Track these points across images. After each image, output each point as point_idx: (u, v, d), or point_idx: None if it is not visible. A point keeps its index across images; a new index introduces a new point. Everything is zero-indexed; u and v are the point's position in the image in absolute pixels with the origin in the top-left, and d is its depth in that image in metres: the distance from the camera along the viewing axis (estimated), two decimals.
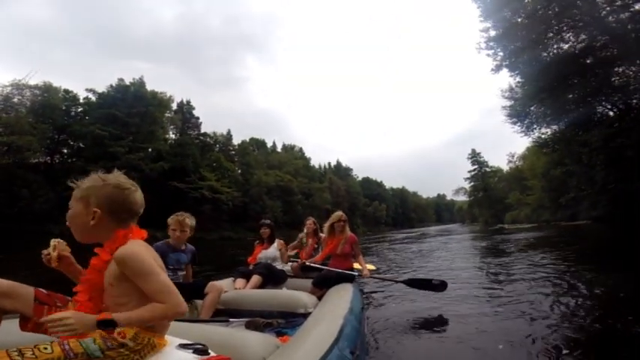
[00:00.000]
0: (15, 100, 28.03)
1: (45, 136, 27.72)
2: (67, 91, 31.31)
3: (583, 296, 3.66)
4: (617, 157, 15.04)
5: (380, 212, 74.41)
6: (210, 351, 1.12)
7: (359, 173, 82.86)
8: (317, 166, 66.60)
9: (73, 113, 31.71)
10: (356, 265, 3.61)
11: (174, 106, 39.21)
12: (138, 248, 1.08)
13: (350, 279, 3.20)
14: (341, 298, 2.34)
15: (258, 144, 56.06)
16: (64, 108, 30.66)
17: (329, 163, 72.93)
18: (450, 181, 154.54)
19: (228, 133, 48.38)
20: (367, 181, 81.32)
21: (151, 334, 1.07)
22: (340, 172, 71.70)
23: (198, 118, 41.66)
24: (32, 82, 28.43)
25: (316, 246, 4.29)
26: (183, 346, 1.13)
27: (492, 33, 16.81)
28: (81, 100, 32.01)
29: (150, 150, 31.75)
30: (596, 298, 3.61)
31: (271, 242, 3.72)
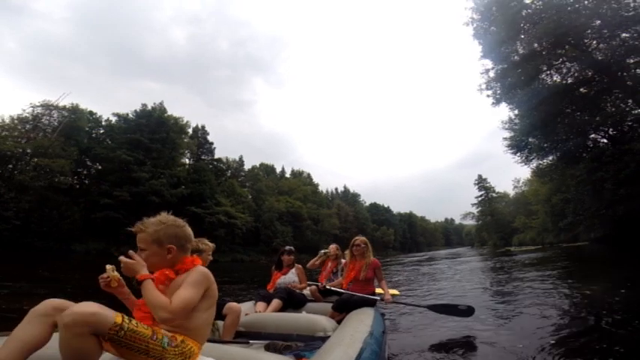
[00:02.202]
0: (44, 120, 29.42)
1: (72, 158, 28.49)
2: (91, 113, 32.75)
3: (597, 312, 3.88)
4: (601, 188, 16.70)
5: (388, 237, 75.00)
6: None
7: (366, 198, 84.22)
8: (325, 192, 68.66)
9: (94, 135, 32.98)
10: (378, 290, 3.61)
11: (189, 130, 40.74)
12: (208, 272, 1.41)
13: (371, 303, 3.22)
14: (361, 322, 2.32)
15: (267, 170, 58.02)
16: (86, 129, 31.87)
17: (336, 189, 74.82)
18: (458, 204, 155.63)
19: (240, 159, 50.86)
20: (375, 207, 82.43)
21: (195, 343, 1.33)
22: (348, 197, 73.23)
23: (212, 143, 43.63)
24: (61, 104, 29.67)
25: (335, 270, 4.36)
26: None
27: (492, 74, 18.80)
28: (103, 123, 33.57)
29: (168, 175, 33.56)
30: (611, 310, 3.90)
31: (290, 267, 3.89)
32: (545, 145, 19.27)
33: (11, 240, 22.08)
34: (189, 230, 1.50)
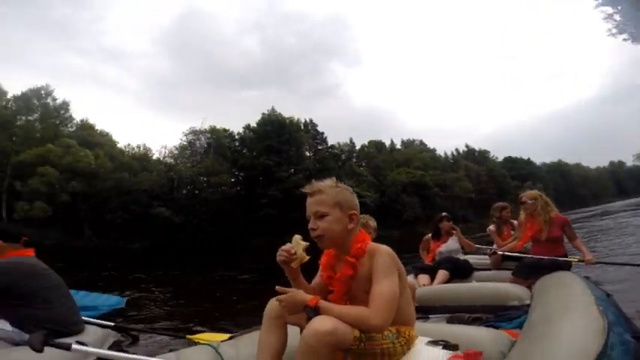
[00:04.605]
0: (196, 144, 40.06)
1: (228, 172, 37.80)
2: (225, 130, 42.25)
3: None
4: None
5: None
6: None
7: (497, 153, 77.46)
8: (444, 155, 66.65)
9: (232, 148, 41.84)
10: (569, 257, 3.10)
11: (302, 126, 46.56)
12: (391, 250, 1.27)
13: (566, 267, 2.89)
14: (570, 287, 1.99)
15: (377, 146, 59.82)
16: (226, 145, 40.96)
17: (457, 150, 71.41)
18: (622, 142, 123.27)
19: (351, 141, 54.79)
20: (510, 161, 74.71)
21: (409, 328, 1.29)
22: (474, 156, 69.20)
23: (323, 133, 49.07)
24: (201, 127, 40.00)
25: (512, 233, 3.99)
26: (432, 343, 1.26)
27: (617, 17, 16.58)
28: (236, 136, 42.91)
29: (301, 169, 39.73)
30: None
31: (450, 235, 3.73)
32: None
33: (205, 243, 30.89)
34: (357, 200, 1.38)
